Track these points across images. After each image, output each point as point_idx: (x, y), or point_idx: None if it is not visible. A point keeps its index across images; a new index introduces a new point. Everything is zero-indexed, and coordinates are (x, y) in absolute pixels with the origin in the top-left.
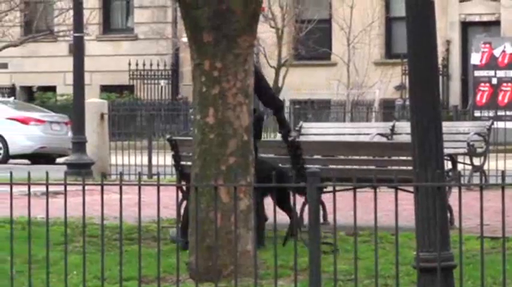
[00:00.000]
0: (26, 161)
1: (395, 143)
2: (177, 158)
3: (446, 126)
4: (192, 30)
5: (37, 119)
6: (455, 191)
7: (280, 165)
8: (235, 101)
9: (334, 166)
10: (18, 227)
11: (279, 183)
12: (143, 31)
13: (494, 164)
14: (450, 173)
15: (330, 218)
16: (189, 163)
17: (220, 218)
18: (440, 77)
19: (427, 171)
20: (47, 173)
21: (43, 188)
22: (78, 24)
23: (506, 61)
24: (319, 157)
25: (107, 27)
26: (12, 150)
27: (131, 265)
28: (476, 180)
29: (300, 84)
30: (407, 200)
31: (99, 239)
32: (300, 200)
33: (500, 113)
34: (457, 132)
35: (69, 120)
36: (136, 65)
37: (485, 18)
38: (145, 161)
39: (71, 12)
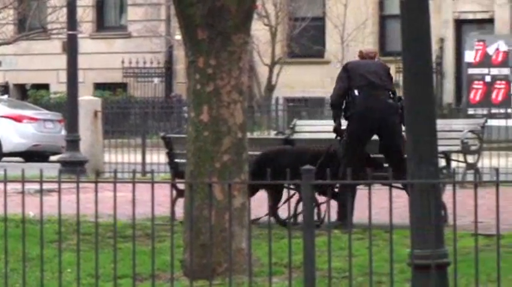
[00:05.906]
0: (19, 159)
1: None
2: (171, 155)
3: (440, 124)
4: (186, 28)
5: (30, 117)
6: (449, 188)
7: None
8: (229, 99)
9: None
10: (12, 225)
11: None
12: (136, 29)
13: (488, 162)
14: (444, 171)
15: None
16: (184, 161)
17: (214, 215)
18: (434, 75)
19: (421, 169)
20: (41, 170)
21: (37, 186)
22: (72, 22)
23: (499, 59)
24: None
25: (100, 25)
26: (6, 148)
27: (125, 263)
28: (470, 178)
29: (293, 82)
30: (401, 197)
31: (93, 236)
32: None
33: (494, 110)
34: (450, 130)
35: (62, 118)
36: (130, 62)
37: (479, 16)
38: (139, 158)
39: (64, 9)
